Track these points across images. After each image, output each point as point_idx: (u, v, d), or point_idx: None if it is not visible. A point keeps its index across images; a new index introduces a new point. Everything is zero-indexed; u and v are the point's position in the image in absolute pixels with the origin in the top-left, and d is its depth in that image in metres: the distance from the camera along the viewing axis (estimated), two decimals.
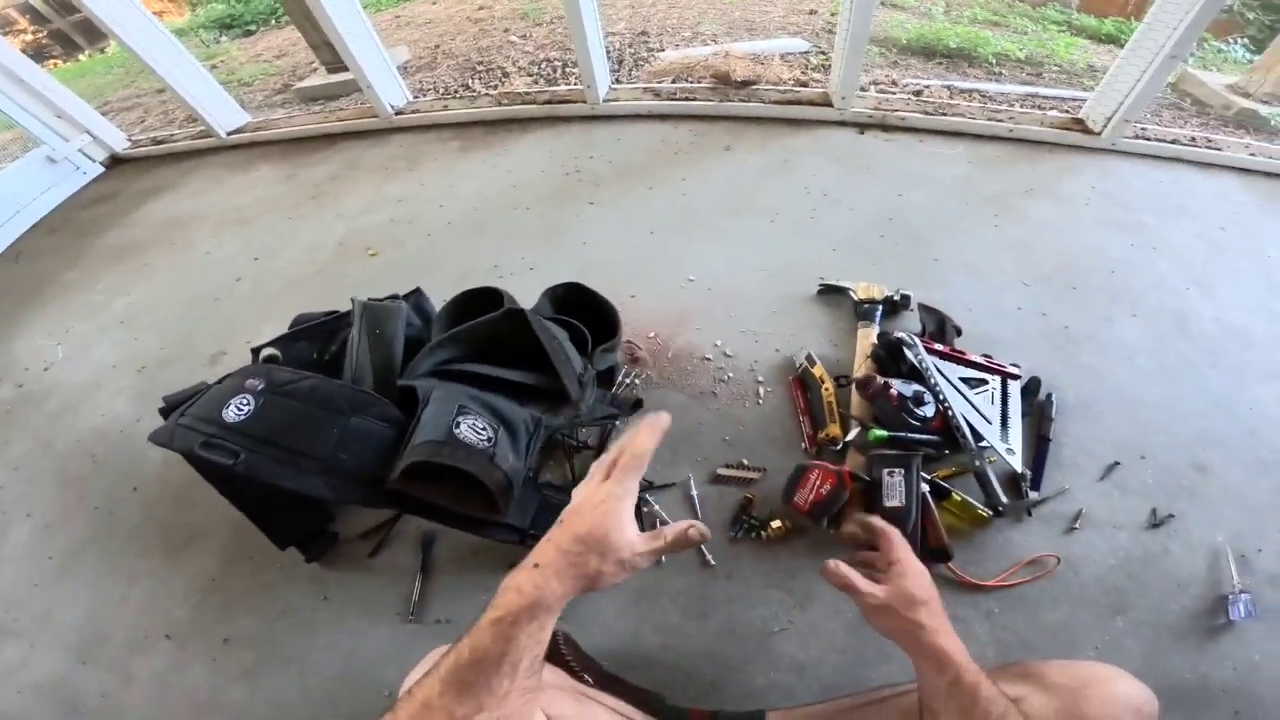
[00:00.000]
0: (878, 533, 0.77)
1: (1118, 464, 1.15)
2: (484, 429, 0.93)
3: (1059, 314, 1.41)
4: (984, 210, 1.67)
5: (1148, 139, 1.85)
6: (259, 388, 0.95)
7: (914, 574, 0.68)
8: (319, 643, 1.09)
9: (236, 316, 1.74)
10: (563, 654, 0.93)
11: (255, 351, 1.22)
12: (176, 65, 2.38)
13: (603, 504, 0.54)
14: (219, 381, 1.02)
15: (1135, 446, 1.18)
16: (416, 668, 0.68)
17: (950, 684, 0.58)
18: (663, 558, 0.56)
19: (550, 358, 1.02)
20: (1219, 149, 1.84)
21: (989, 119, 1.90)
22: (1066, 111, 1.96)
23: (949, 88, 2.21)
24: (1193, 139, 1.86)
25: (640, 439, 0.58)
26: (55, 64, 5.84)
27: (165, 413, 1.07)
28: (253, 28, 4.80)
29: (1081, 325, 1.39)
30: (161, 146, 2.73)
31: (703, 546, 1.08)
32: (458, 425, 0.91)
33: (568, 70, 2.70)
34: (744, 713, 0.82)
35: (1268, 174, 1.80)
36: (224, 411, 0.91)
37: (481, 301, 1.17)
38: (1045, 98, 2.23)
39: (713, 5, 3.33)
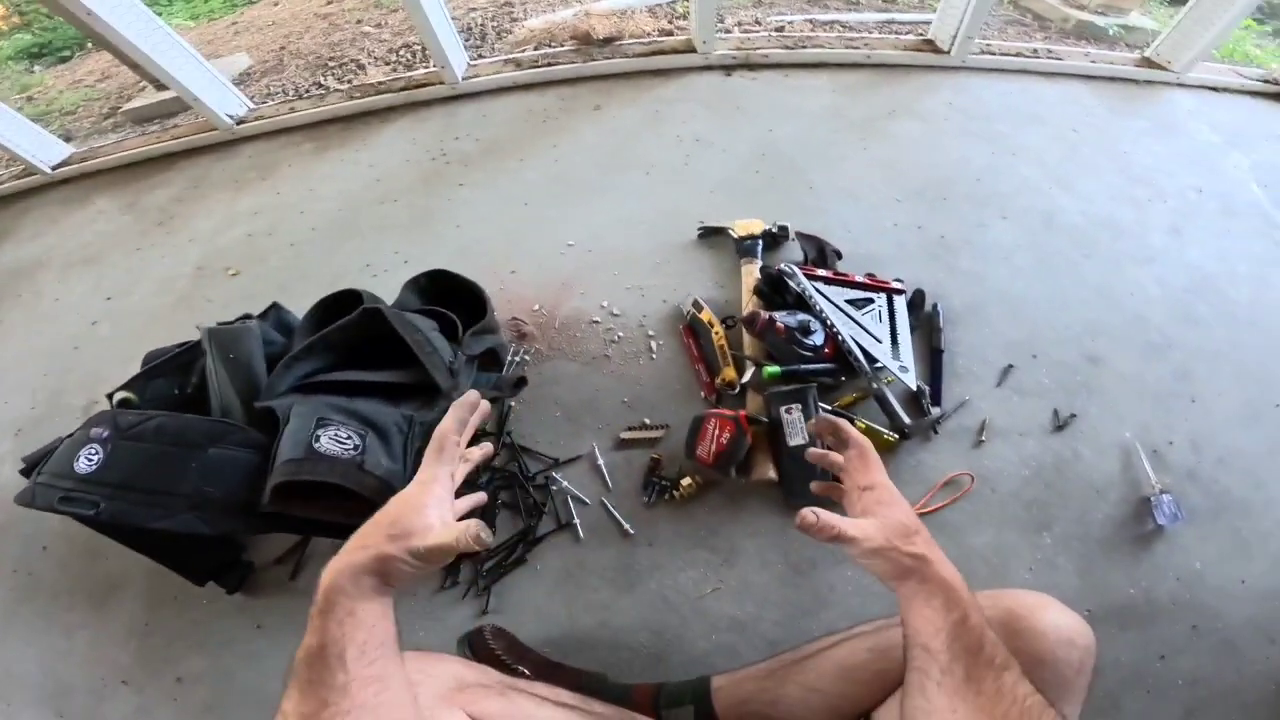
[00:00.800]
0: (850, 442, 0.64)
1: (1012, 366, 1.19)
2: (349, 438, 0.91)
3: (934, 225, 1.46)
4: (852, 135, 1.70)
5: (994, 54, 1.94)
6: (104, 435, 0.94)
7: (898, 499, 0.59)
8: (267, 669, 1.05)
9: (99, 361, 1.60)
10: (491, 649, 0.90)
11: (109, 396, 1.12)
12: None
13: (406, 491, 0.55)
14: (70, 435, 0.99)
15: (1026, 346, 1.23)
16: None
17: (957, 623, 0.49)
18: (481, 549, 0.52)
19: (414, 351, 0.98)
20: (1061, 59, 1.94)
21: (847, 47, 1.93)
22: (920, 34, 2.01)
23: (811, 21, 2.24)
24: (1035, 51, 1.97)
25: (442, 423, 0.58)
26: None
27: (26, 472, 1.04)
28: (67, 54, 4.29)
29: (956, 233, 1.44)
30: None
31: (618, 516, 1.07)
32: (317, 439, 0.89)
33: (428, 54, 2.55)
34: (688, 682, 0.81)
35: (1111, 79, 1.93)
36: (75, 464, 0.91)
37: (343, 306, 1.11)
38: (901, 23, 2.29)
39: None
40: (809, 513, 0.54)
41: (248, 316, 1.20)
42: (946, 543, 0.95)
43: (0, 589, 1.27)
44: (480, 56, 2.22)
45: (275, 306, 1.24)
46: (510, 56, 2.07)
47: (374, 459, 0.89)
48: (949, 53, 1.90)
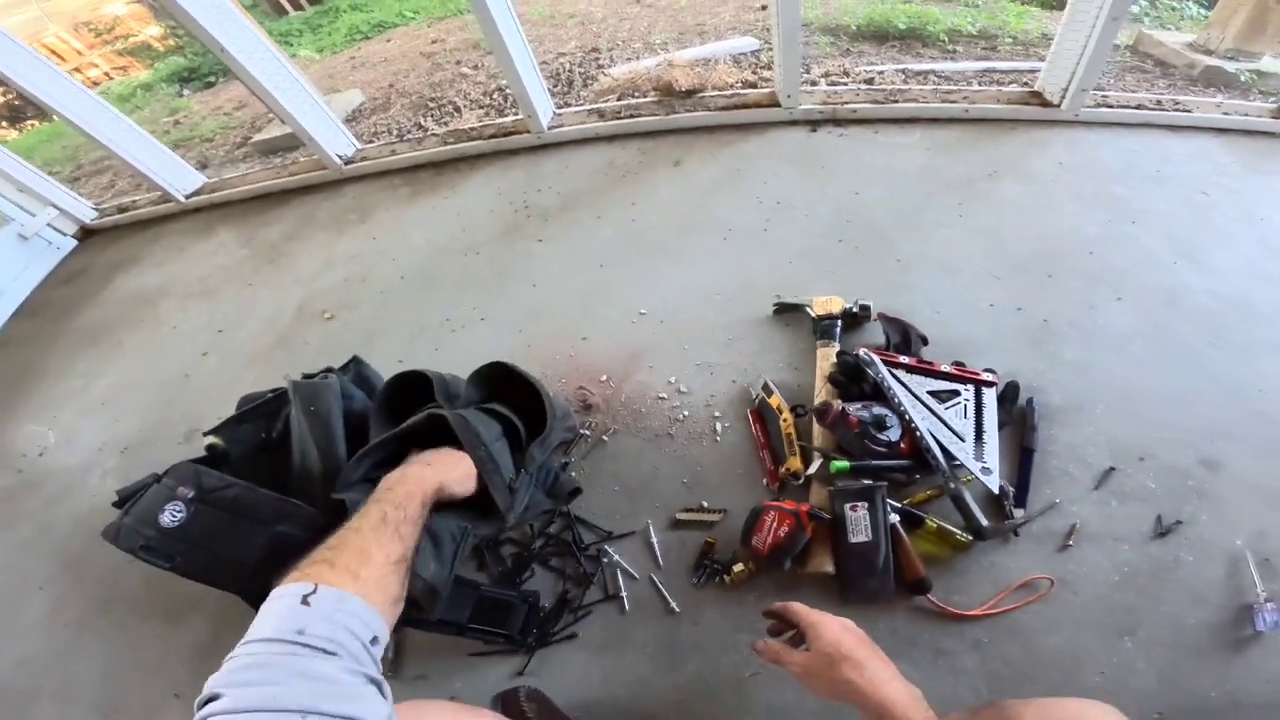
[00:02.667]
0: (778, 613, 0.79)
1: (1114, 469, 1.07)
2: None
3: (1036, 306, 1.33)
4: (947, 199, 1.60)
5: (1111, 106, 1.77)
6: (189, 495, 1.02)
7: (829, 634, 0.69)
8: None
9: (205, 392, 1.74)
10: (524, 711, 0.91)
11: (206, 434, 1.23)
12: (120, 133, 2.35)
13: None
14: (158, 479, 1.08)
15: (1133, 447, 1.10)
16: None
17: None
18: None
19: (478, 468, 1.00)
20: (1189, 110, 1.75)
21: (943, 101, 1.83)
22: (1025, 85, 1.88)
23: (903, 71, 2.14)
24: (1159, 102, 1.79)
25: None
26: (34, 124, 5.84)
27: (119, 504, 1.12)
28: (211, 80, 4.82)
29: (1062, 316, 1.31)
30: (126, 214, 2.72)
31: (666, 593, 1.05)
32: None
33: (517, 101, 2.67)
34: None
35: (1246, 132, 1.72)
36: (160, 516, 1.00)
37: (415, 385, 1.16)
38: (1003, 72, 2.15)
39: (662, 13, 3.27)
40: (760, 641, 0.76)
41: (329, 370, 1.27)
42: (1013, 644, 0.91)
43: (85, 596, 1.40)
44: (566, 104, 2.29)
45: (356, 360, 1.31)
46: (594, 107, 2.12)
47: (424, 563, 0.91)
48: (1059, 105, 1.75)
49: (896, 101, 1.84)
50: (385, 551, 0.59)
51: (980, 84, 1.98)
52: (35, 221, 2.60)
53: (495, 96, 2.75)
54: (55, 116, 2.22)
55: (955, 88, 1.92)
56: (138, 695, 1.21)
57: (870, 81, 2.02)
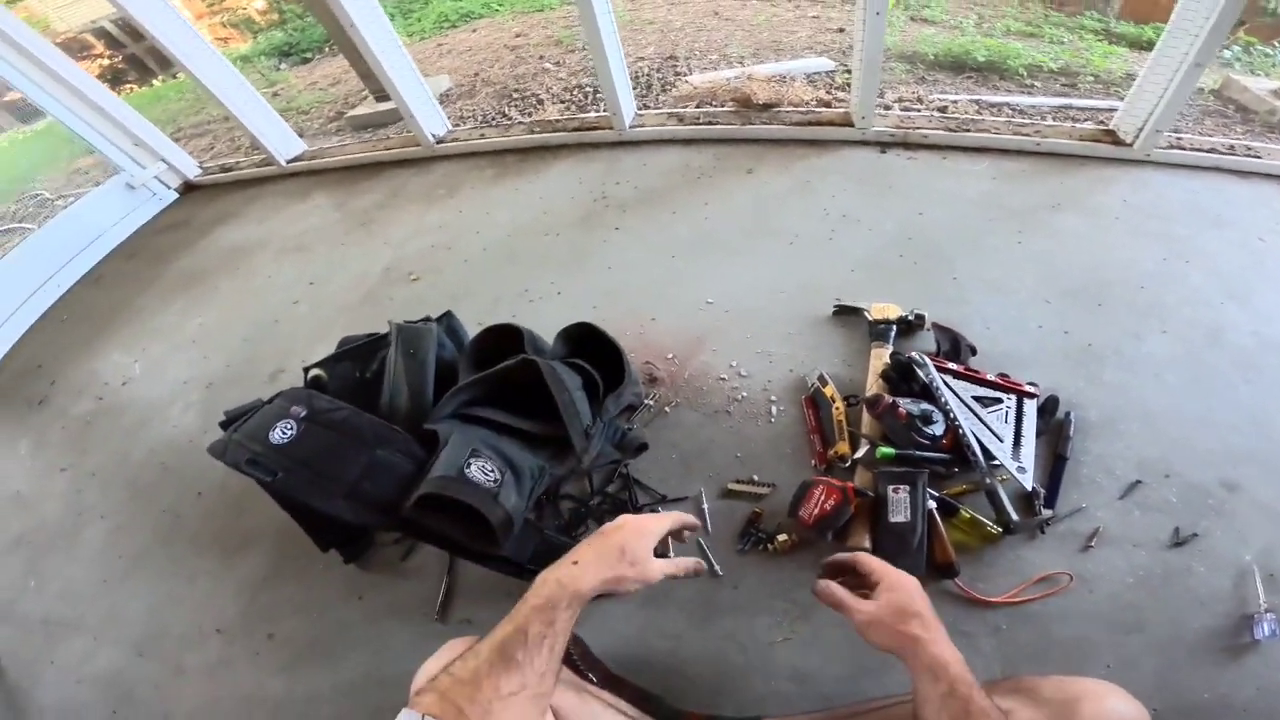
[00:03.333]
0: (848, 563, 0.78)
1: (1140, 482, 1.13)
2: (491, 471, 1.02)
3: (1082, 331, 1.40)
4: (1007, 226, 1.66)
5: (1183, 148, 1.80)
6: (301, 414, 1.07)
7: (900, 586, 0.69)
8: (352, 640, 1.18)
9: (293, 337, 1.89)
10: (569, 653, 0.99)
11: (306, 370, 1.32)
12: (240, 95, 2.56)
13: (642, 525, 0.71)
14: (269, 400, 1.14)
15: (1159, 464, 1.16)
16: (433, 657, 0.74)
17: (944, 695, 0.58)
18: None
19: (560, 410, 1.09)
20: (1259, 156, 1.77)
21: (1015, 133, 1.89)
22: (1102, 122, 1.92)
23: (977, 102, 2.20)
24: (1231, 147, 1.80)
25: (682, 519, 0.77)
26: (131, 89, 6.27)
27: (225, 425, 1.17)
28: (309, 55, 5.11)
29: (1106, 342, 1.37)
30: (229, 174, 2.96)
31: (710, 556, 1.14)
32: (469, 465, 1.01)
33: (598, 96, 2.80)
34: (743, 718, 0.87)
35: None
36: (271, 433, 1.03)
37: (504, 337, 1.27)
38: (1079, 109, 2.19)
39: (740, 27, 3.38)
40: (823, 581, 0.72)
41: (428, 319, 1.38)
42: (1029, 631, 0.97)
43: (145, 527, 1.48)
44: (646, 107, 2.41)
45: (449, 314, 1.42)
46: (674, 110, 2.24)
47: (506, 494, 1.00)
48: (1131, 145, 1.79)
49: (968, 131, 1.91)
50: (497, 685, 0.53)
51: (1055, 119, 2.02)
52: (144, 173, 2.83)
53: (576, 93, 2.90)
54: (184, 73, 2.42)
55: (1028, 121, 1.97)
56: (179, 630, 1.27)
57: (943, 110, 2.09)
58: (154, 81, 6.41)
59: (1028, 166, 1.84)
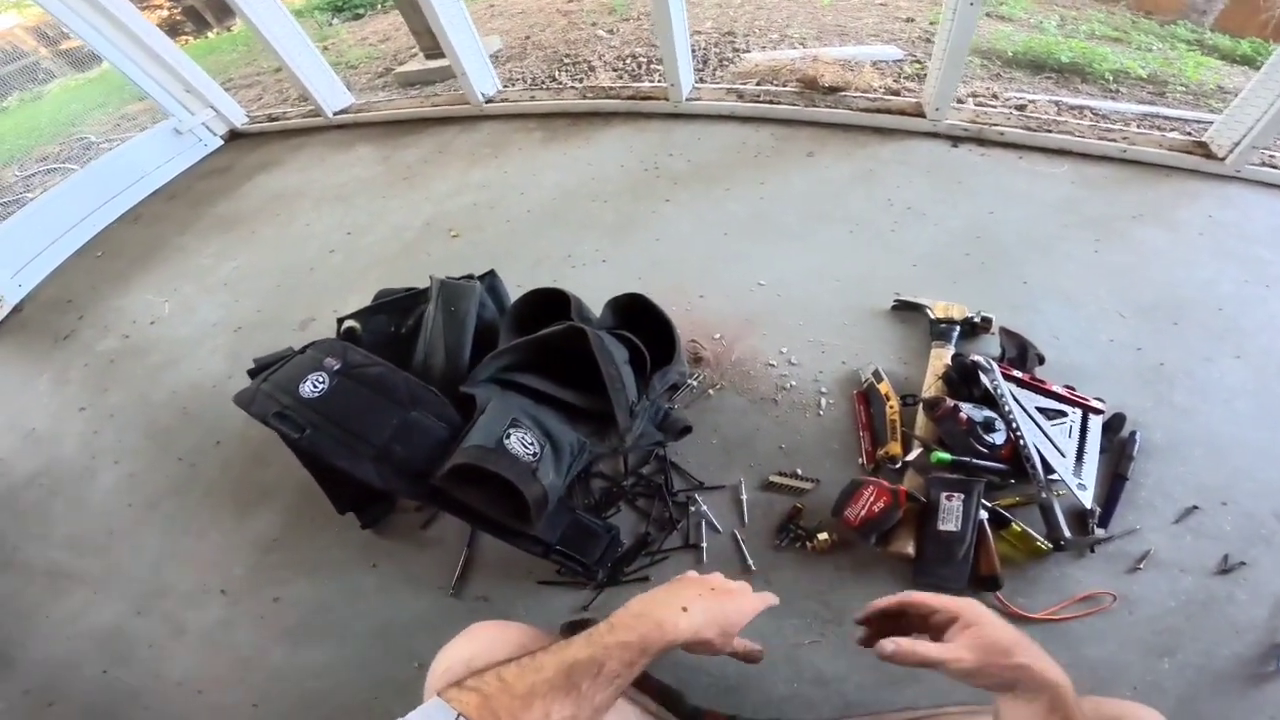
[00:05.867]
0: (902, 606, 0.65)
1: (1196, 508, 1.09)
2: (531, 444, 0.96)
3: (1155, 349, 1.32)
4: (1085, 234, 1.56)
5: (1276, 167, 1.68)
6: (335, 368, 1.01)
7: (981, 618, 0.59)
8: (361, 609, 1.14)
9: (327, 286, 1.86)
10: None
11: (340, 320, 1.29)
12: (294, 46, 2.55)
13: (752, 604, 0.68)
14: (301, 350, 1.08)
15: (1218, 492, 1.11)
16: (456, 641, 0.70)
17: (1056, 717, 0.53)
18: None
19: (605, 382, 1.03)
20: None
21: (1100, 138, 1.77)
22: (1189, 134, 1.80)
23: (1057, 103, 2.08)
24: None
25: (762, 601, 0.70)
26: (187, 40, 6.35)
27: (253, 373, 1.14)
28: (361, 10, 5.08)
29: (1178, 362, 1.29)
30: (275, 124, 2.95)
31: (745, 550, 1.09)
32: (508, 436, 0.95)
33: (652, 67, 2.72)
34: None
35: None
36: (301, 386, 0.97)
37: (550, 302, 1.21)
38: (1166, 119, 2.05)
39: (802, 8, 3.25)
40: (888, 642, 0.57)
41: (470, 277, 1.32)
42: (1062, 649, 0.92)
43: (159, 474, 1.43)
44: (702, 81, 2.32)
45: (492, 273, 1.36)
46: (733, 86, 2.15)
47: (545, 470, 0.94)
48: (1223, 159, 1.67)
49: (1049, 131, 1.79)
50: (549, 710, 0.48)
51: (1138, 127, 1.90)
52: (192, 119, 2.85)
53: (629, 62, 2.82)
54: (241, 18, 2.41)
55: (1114, 127, 1.85)
56: (184, 587, 1.23)
57: (1022, 108, 1.97)
58: (209, 34, 6.49)
59: (1111, 174, 1.73)
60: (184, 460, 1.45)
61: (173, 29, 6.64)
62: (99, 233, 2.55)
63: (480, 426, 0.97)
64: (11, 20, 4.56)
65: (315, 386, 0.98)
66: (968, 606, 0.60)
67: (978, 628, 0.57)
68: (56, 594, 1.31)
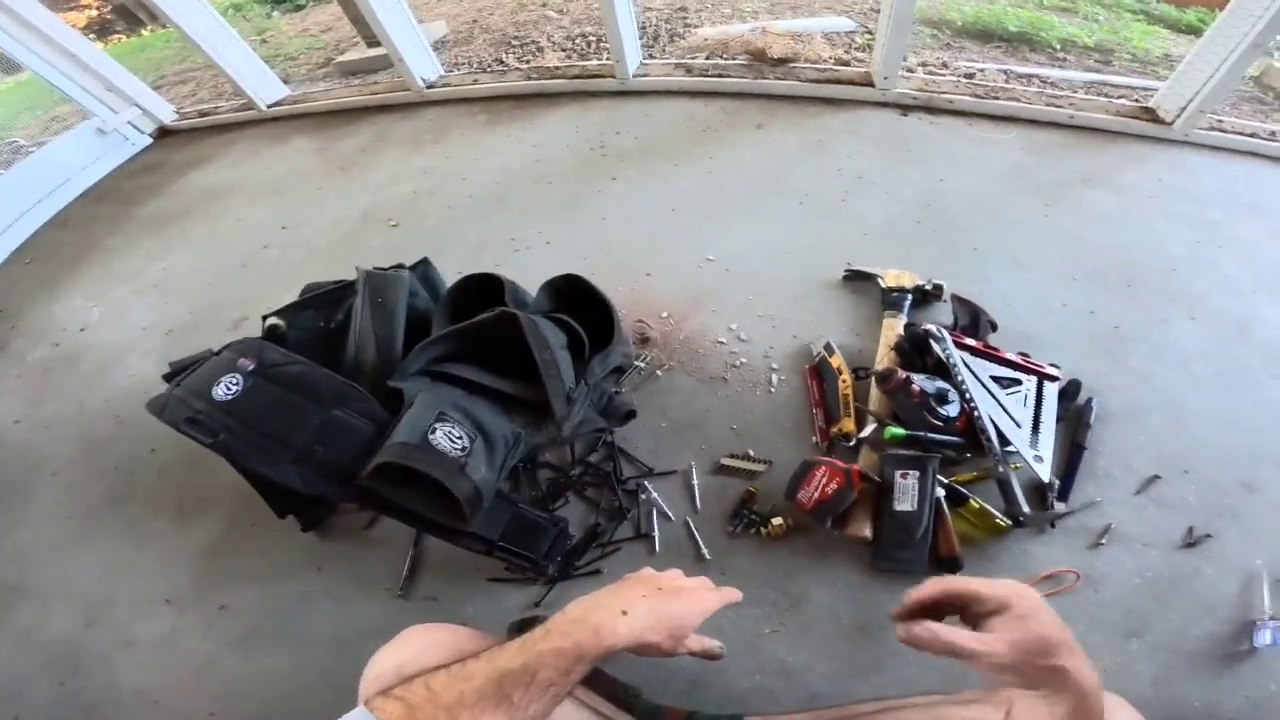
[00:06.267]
0: (942, 596, 0.56)
1: (1157, 477, 1.07)
2: (460, 438, 0.92)
3: (1109, 313, 1.30)
4: (1034, 199, 1.55)
5: (1224, 130, 1.69)
6: (249, 368, 0.95)
7: (1033, 611, 0.51)
8: (312, 613, 1.09)
9: (261, 283, 1.77)
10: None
11: (265, 318, 1.22)
12: (219, 40, 2.42)
13: (704, 603, 0.64)
14: (218, 352, 1.02)
15: (1179, 460, 1.09)
16: (388, 646, 0.68)
17: None
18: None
19: (540, 370, 0.98)
20: None
21: (1048, 104, 1.76)
22: (1136, 100, 1.80)
23: (1005, 72, 2.07)
24: (1272, 133, 1.70)
25: (718, 600, 0.66)
26: (120, 38, 6.07)
27: (169, 378, 1.07)
28: (303, 2, 4.90)
29: (1133, 326, 1.28)
30: (206, 119, 2.80)
31: (699, 538, 1.05)
32: (433, 431, 0.90)
33: (601, 45, 2.65)
34: (724, 715, 0.78)
35: None
36: (214, 389, 0.93)
37: (485, 289, 1.15)
38: (1113, 86, 2.06)
39: None
40: (919, 625, 0.51)
41: (400, 266, 1.27)
42: None
43: (98, 486, 1.37)
44: (651, 57, 2.26)
45: (425, 262, 1.30)
46: (681, 61, 2.09)
47: (475, 464, 0.90)
48: (1171, 124, 1.68)
49: (997, 99, 1.78)
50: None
51: (1086, 94, 1.90)
52: (116, 118, 2.69)
53: (579, 41, 2.74)
54: (165, 20, 2.28)
55: (1062, 93, 1.85)
56: (130, 597, 1.18)
57: (970, 76, 1.95)
58: (142, 31, 6.23)
59: (1059, 139, 1.72)
60: (120, 469, 1.39)
61: (103, 28, 6.37)
62: (27, 239, 2.40)
63: (405, 422, 0.91)
64: None
65: (229, 389, 0.92)
66: (1020, 595, 0.52)
67: (1029, 620, 0.50)
68: (6, 608, 1.25)
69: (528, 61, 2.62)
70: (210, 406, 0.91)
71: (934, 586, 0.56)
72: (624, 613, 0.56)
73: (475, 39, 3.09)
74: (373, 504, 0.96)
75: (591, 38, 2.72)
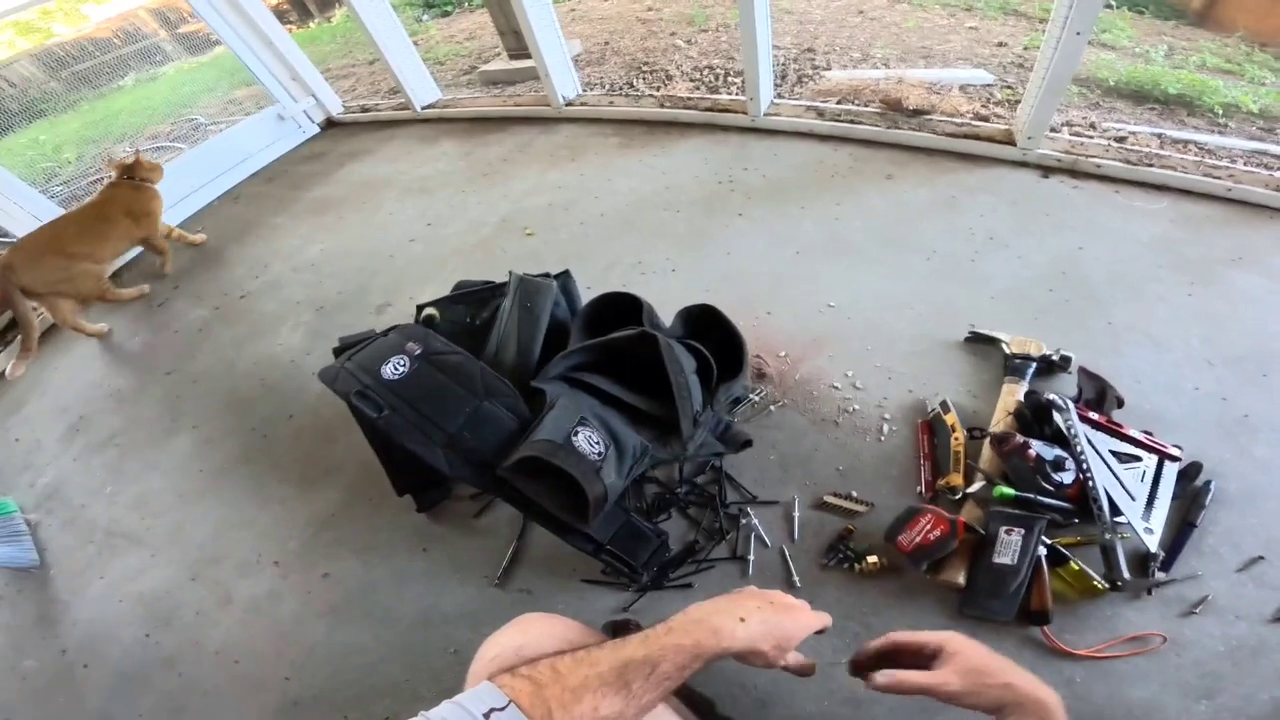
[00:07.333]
0: (891, 647, 0.68)
1: (1261, 558, 1.04)
2: (598, 443, 0.99)
3: (1241, 400, 1.25)
4: (1179, 276, 1.48)
5: None
6: (416, 352, 1.05)
7: (962, 648, 0.63)
8: (406, 592, 1.18)
9: (405, 274, 1.96)
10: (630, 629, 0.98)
11: (420, 308, 1.36)
12: (393, 39, 2.70)
13: (810, 621, 0.68)
14: (385, 333, 1.13)
15: None
16: (506, 629, 0.72)
17: None
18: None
19: (673, 390, 1.05)
20: None
21: (1204, 174, 1.68)
22: None
23: (1160, 136, 1.97)
24: None
25: (816, 620, 0.70)
26: (290, 29, 6.74)
27: (338, 352, 1.19)
28: (450, 8, 5.29)
29: (1264, 415, 1.22)
30: (367, 114, 3.13)
31: (792, 566, 1.10)
32: (576, 434, 0.98)
33: (729, 79, 2.74)
34: None
35: None
36: (383, 367, 1.01)
37: (620, 306, 1.24)
38: (1276, 157, 1.92)
39: (886, 29, 3.19)
40: (880, 675, 0.62)
41: (547, 275, 1.36)
42: (1102, 688, 0.93)
43: (233, 443, 1.50)
44: (780, 97, 2.32)
45: (566, 274, 1.40)
46: (813, 104, 2.14)
47: (608, 470, 0.97)
48: None
49: (1150, 165, 1.71)
50: (598, 704, 0.49)
51: (1246, 165, 1.78)
52: (295, 106, 3.06)
53: (706, 73, 2.83)
54: (354, 16, 2.57)
55: (1220, 163, 1.75)
56: (238, 556, 1.26)
57: (1122, 140, 1.88)
58: (310, 24, 6.84)
59: (1211, 213, 1.63)
60: (257, 430, 1.52)
61: (279, 17, 7.05)
62: (202, 208, 2.78)
63: (550, 422, 0.99)
64: (138, 1, 4.92)
65: (397, 369, 1.02)
66: (950, 638, 0.64)
67: (964, 654, 0.62)
68: (114, 554, 1.34)
69: (657, 88, 2.74)
70: (378, 383, 1.01)
71: (885, 640, 0.68)
72: (741, 619, 0.61)
73: (607, 60, 3.27)
74: (503, 492, 1.04)
75: (719, 70, 2.81)
